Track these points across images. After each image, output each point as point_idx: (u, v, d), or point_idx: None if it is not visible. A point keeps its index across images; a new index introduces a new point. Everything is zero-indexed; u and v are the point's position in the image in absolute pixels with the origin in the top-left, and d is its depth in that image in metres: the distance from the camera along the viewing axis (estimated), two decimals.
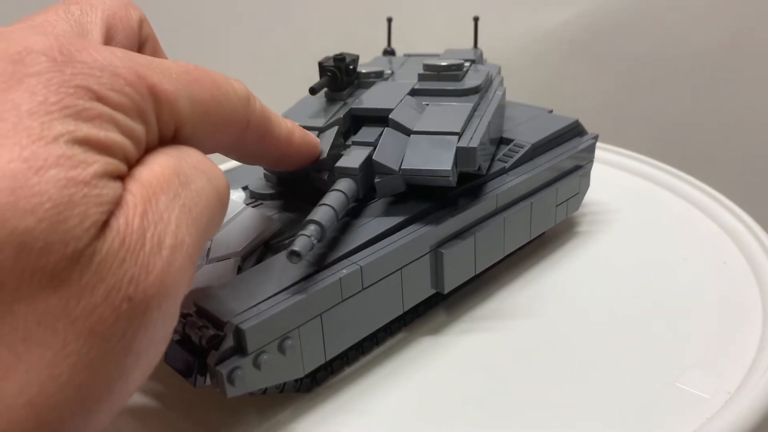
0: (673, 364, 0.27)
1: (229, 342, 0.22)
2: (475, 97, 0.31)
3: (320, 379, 0.26)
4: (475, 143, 0.27)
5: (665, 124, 0.60)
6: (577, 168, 0.35)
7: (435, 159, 0.27)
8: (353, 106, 0.31)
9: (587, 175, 0.36)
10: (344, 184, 0.26)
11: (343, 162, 0.27)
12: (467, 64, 0.34)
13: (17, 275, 0.14)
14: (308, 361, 0.24)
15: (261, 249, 0.27)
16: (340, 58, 0.32)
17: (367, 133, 0.29)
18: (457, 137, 0.28)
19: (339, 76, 0.32)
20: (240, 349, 0.22)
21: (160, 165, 0.17)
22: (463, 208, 0.29)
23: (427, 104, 0.31)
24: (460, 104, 0.31)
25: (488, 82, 0.34)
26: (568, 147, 0.35)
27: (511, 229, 0.31)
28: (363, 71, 0.34)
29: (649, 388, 0.26)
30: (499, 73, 0.38)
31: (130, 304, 0.15)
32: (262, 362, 0.22)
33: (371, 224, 0.27)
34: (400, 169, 0.27)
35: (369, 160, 0.27)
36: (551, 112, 0.38)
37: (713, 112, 0.59)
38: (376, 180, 0.27)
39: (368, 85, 0.33)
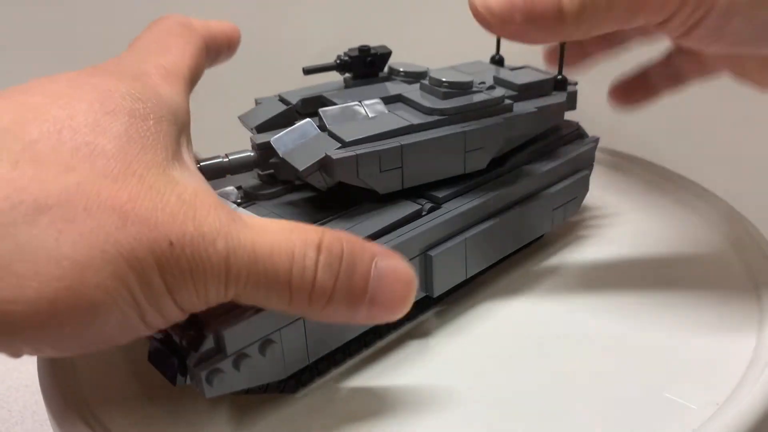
0: (663, 374, 0.27)
1: (209, 343, 0.22)
2: (433, 118, 0.29)
3: (305, 380, 0.26)
4: (340, 155, 0.26)
5: (665, 125, 0.60)
6: (576, 172, 0.35)
7: (303, 156, 0.26)
8: (323, 94, 0.31)
9: (586, 179, 0.35)
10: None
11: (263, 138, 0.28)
12: (480, 84, 0.32)
13: None
14: (290, 363, 0.24)
15: None
16: (363, 49, 0.32)
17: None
18: (339, 144, 0.27)
19: (350, 65, 0.32)
20: (220, 350, 0.22)
21: None
22: (454, 211, 0.28)
23: (384, 111, 0.30)
24: (401, 118, 0.29)
25: (478, 110, 0.30)
26: (567, 150, 0.34)
27: (504, 233, 0.31)
28: (401, 69, 0.33)
29: (637, 398, 0.26)
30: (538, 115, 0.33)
31: None
32: (242, 364, 0.22)
33: (359, 227, 0.27)
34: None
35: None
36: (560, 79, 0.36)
37: (714, 113, 0.58)
38: (272, 160, 0.28)
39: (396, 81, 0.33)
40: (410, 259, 0.27)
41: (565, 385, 0.26)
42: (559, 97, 0.34)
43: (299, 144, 0.27)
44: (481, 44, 0.37)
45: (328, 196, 0.28)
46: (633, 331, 0.29)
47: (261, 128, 0.30)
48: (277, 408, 0.26)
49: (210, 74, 0.30)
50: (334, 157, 0.25)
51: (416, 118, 0.29)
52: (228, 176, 0.29)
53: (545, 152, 0.34)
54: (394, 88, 0.32)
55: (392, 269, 0.23)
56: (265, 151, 0.28)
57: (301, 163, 0.26)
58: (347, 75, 0.33)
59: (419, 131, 0.28)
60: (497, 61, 0.37)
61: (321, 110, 0.28)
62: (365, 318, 0.23)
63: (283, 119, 0.30)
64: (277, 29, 0.58)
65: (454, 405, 0.26)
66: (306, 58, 0.34)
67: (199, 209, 0.20)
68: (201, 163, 0.27)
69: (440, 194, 0.29)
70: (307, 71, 0.32)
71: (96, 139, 0.19)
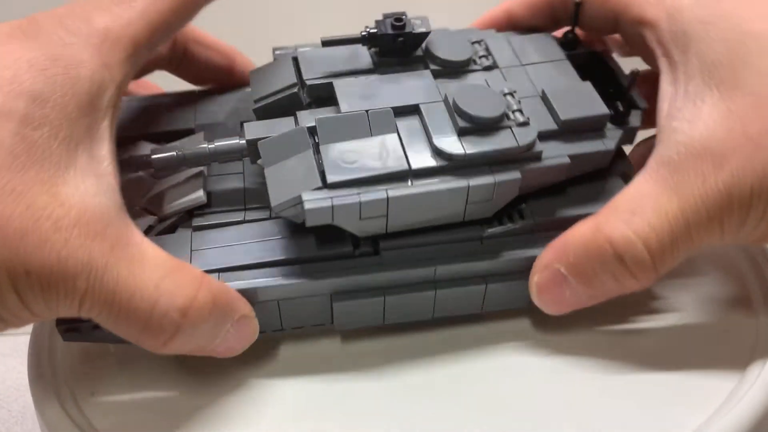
0: (650, 387, 0.26)
1: None
2: (439, 164, 0.24)
3: None
4: (313, 204, 0.23)
5: None
6: None
7: (281, 185, 0.24)
8: (335, 84, 0.27)
9: None
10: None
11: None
12: (515, 108, 0.26)
13: None
14: None
15: (181, 216, 0.27)
16: (397, 24, 0.27)
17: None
18: (319, 183, 0.24)
19: (377, 40, 0.27)
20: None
21: None
22: (388, 268, 0.25)
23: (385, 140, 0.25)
24: (400, 156, 0.24)
25: (497, 158, 0.25)
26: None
27: (447, 303, 0.27)
28: (439, 55, 0.28)
29: (622, 411, 0.25)
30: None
31: None
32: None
33: (281, 246, 0.26)
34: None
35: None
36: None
37: None
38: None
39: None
40: (314, 297, 0.26)
41: (540, 402, 0.26)
42: (609, 139, 0.27)
43: (282, 164, 0.25)
44: None
45: None
46: (626, 340, 0.28)
47: (260, 111, 0.28)
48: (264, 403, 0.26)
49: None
50: (306, 206, 0.23)
51: (419, 158, 0.24)
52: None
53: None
54: (418, 87, 0.27)
55: (243, 333, 0.24)
56: (255, 145, 0.26)
57: (276, 198, 0.24)
58: (374, 49, 0.28)
59: (416, 177, 0.24)
60: (569, 41, 0.30)
61: (318, 119, 0.25)
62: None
63: (288, 102, 0.28)
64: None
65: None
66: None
67: (72, 239, 0.19)
68: (180, 152, 0.27)
69: (386, 243, 0.26)
70: (326, 43, 0.28)
71: None
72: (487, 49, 0.29)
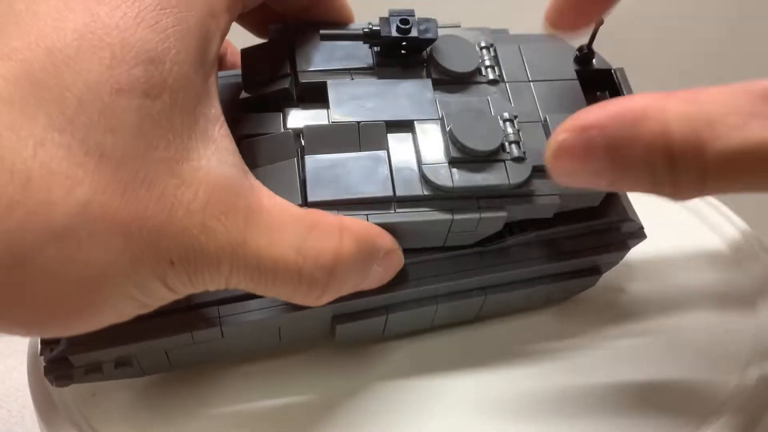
0: (648, 387, 0.26)
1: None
2: (424, 193, 0.24)
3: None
4: None
5: None
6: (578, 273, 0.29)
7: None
8: (329, 83, 0.25)
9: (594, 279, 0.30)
10: None
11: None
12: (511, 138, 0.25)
13: None
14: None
15: None
16: (402, 26, 0.25)
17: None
18: (299, 200, 0.23)
19: (379, 41, 0.26)
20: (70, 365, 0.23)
21: None
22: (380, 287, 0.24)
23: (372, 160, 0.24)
24: (383, 181, 0.23)
25: (485, 193, 0.24)
26: (580, 247, 0.27)
27: (447, 313, 0.27)
28: (443, 65, 0.26)
29: (621, 411, 0.25)
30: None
31: None
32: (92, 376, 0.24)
33: None
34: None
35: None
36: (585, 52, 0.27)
37: None
38: None
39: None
40: (315, 320, 0.26)
41: (528, 410, 0.26)
42: None
43: (264, 169, 0.24)
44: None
45: None
46: (619, 351, 0.28)
47: (247, 103, 0.26)
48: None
49: None
50: None
51: (405, 184, 0.23)
52: None
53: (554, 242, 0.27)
54: (415, 100, 0.25)
55: (390, 265, 0.23)
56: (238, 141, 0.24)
57: None
58: (375, 49, 0.27)
59: (400, 204, 0.24)
60: (584, 57, 0.28)
61: (306, 128, 0.24)
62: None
63: (278, 96, 0.26)
64: None
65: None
66: None
67: (208, 222, 0.19)
68: None
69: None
70: (325, 36, 0.26)
71: (104, 137, 0.17)
72: (495, 57, 0.27)
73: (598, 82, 0.28)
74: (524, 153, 0.24)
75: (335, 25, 0.26)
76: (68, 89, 0.17)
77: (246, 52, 0.26)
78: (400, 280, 0.25)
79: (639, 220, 0.28)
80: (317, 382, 0.27)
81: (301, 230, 0.20)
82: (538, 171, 0.24)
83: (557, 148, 0.20)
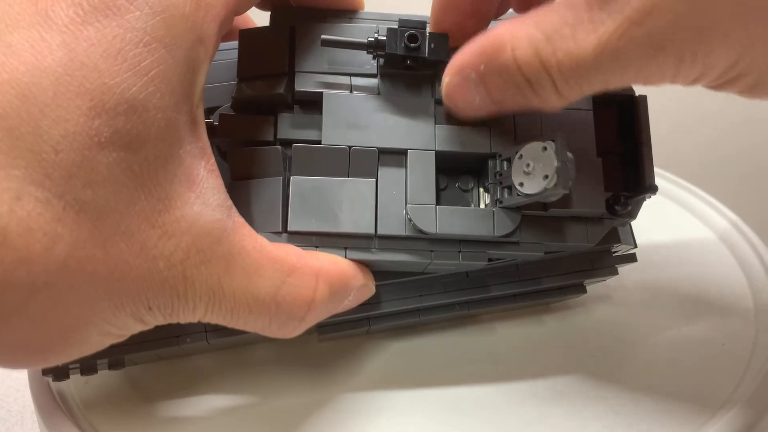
0: (647, 394, 0.26)
1: None
2: (410, 235, 0.23)
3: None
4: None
5: (662, 126, 0.60)
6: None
7: (256, 214, 0.23)
8: (324, 94, 0.24)
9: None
10: None
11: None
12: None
13: None
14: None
15: None
16: (411, 44, 0.23)
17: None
18: (279, 225, 0.23)
19: (383, 52, 0.23)
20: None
21: None
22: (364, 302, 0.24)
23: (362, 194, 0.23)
24: (367, 218, 0.23)
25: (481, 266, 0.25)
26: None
27: (429, 319, 0.28)
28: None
29: (620, 418, 0.25)
30: None
31: None
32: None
33: None
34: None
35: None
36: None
37: (709, 113, 0.58)
38: None
39: None
40: None
41: (528, 411, 0.26)
42: (594, 234, 0.24)
43: (247, 183, 0.23)
44: None
45: None
46: (614, 355, 0.28)
47: (238, 103, 0.24)
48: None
49: None
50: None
51: (388, 222, 0.23)
52: None
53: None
54: (413, 125, 0.23)
55: (361, 296, 0.24)
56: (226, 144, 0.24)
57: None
58: (380, 60, 0.24)
59: (381, 240, 0.23)
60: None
61: (295, 148, 0.23)
62: None
63: (271, 99, 0.24)
64: None
65: None
66: None
67: (188, 271, 0.18)
68: None
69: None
70: (325, 42, 0.23)
71: (83, 192, 0.16)
72: None
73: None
74: (519, 194, 0.22)
75: (343, 11, 0.24)
76: (44, 139, 0.16)
77: (244, 35, 0.24)
78: (378, 299, 0.25)
79: (634, 241, 0.26)
80: (305, 381, 0.27)
81: (279, 275, 0.20)
82: (529, 213, 0.23)
83: (446, 91, 0.23)
